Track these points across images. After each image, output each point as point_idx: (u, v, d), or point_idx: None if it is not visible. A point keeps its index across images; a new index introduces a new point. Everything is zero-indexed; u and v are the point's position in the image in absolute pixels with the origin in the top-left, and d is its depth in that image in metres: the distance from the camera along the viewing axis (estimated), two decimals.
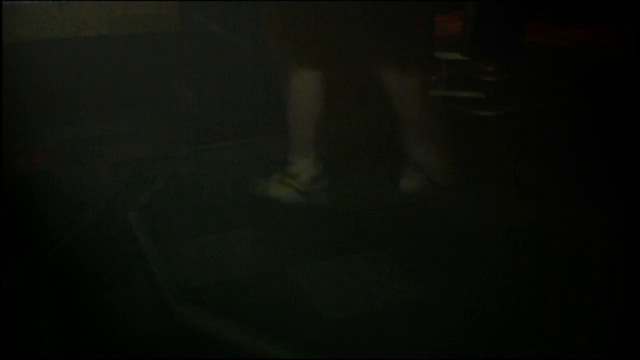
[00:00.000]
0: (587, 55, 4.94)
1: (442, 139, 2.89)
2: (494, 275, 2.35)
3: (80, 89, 4.20)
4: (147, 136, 3.82)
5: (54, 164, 3.42)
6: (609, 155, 3.17)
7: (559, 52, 5.02)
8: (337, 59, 2.79)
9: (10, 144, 3.49)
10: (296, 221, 2.72)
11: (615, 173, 3.00)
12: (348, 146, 3.37)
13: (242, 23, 3.83)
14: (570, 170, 3.07)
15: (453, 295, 2.25)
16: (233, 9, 3.88)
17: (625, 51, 4.79)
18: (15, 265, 2.52)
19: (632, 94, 3.60)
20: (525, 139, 3.51)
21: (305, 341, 2.02)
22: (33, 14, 4.21)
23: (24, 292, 2.41)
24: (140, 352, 2.07)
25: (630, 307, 2.15)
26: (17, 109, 3.79)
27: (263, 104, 3.73)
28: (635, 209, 2.66)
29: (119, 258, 2.55)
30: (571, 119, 3.69)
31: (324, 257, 2.48)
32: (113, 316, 2.23)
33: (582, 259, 2.46)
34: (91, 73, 4.29)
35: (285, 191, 2.84)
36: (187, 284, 2.29)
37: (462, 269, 2.39)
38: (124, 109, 4.18)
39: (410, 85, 2.77)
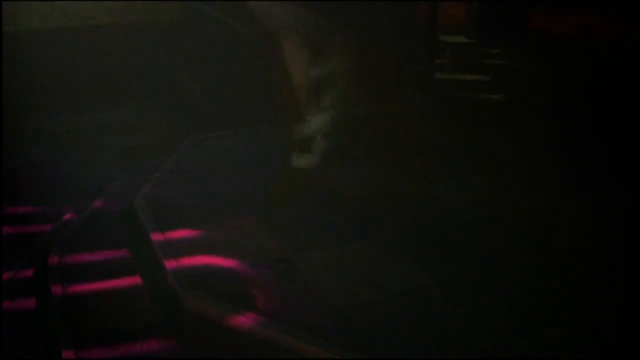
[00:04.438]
0: (591, 42, 4.91)
1: None
2: (498, 262, 2.35)
3: (83, 79, 4.20)
4: (150, 125, 3.83)
5: (58, 153, 3.42)
6: (612, 143, 3.16)
7: (563, 39, 4.98)
8: None
9: (13, 134, 3.50)
10: (300, 208, 2.72)
11: (618, 161, 2.99)
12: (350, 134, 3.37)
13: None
14: (573, 157, 3.06)
15: (457, 281, 2.25)
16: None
17: (628, 39, 4.76)
18: (21, 255, 2.53)
19: (635, 83, 3.58)
20: (528, 125, 3.49)
21: (310, 327, 2.02)
22: (36, 4, 4.22)
23: (30, 280, 2.42)
24: (146, 337, 2.07)
25: (633, 297, 2.16)
26: (20, 99, 3.80)
27: (264, 92, 3.73)
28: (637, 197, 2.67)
29: (123, 245, 2.56)
30: (574, 104, 3.67)
31: (329, 244, 2.48)
32: (118, 302, 2.24)
33: (584, 247, 2.46)
34: (94, 63, 4.29)
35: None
36: (191, 269, 2.29)
37: (466, 256, 2.39)
38: (127, 98, 4.18)
39: None
